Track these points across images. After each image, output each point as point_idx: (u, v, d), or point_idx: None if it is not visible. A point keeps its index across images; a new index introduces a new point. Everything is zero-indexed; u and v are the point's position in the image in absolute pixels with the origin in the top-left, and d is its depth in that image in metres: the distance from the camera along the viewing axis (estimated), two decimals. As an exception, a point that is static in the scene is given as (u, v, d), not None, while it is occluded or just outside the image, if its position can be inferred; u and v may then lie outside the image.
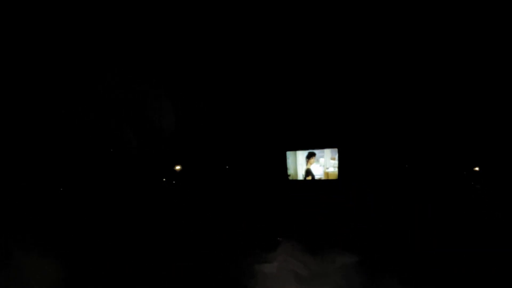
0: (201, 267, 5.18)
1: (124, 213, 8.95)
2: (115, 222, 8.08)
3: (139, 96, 8.77)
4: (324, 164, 11.22)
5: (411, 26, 8.67)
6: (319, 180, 11.28)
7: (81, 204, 9.72)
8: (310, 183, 11.37)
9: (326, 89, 10.65)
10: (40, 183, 10.29)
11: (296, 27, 9.03)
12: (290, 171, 11.63)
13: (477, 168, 11.10)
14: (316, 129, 11.25)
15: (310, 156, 11.49)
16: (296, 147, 11.62)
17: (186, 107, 10.73)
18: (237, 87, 10.71)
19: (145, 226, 7.83)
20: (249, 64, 10.08)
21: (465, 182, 10.63)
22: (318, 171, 11.28)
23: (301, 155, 11.54)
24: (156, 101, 9.33)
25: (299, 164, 11.55)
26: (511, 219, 6.89)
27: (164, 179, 12.26)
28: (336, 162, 11.04)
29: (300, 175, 11.48)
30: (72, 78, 8.27)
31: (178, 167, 12.44)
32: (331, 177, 11.11)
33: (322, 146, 11.32)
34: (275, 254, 5.14)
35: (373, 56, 9.63)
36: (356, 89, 10.47)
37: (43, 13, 7.22)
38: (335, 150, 11.11)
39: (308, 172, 11.39)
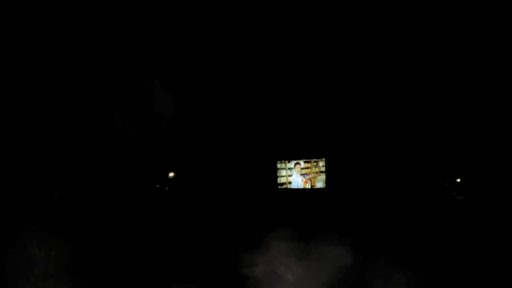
0: (188, 270, 5.02)
1: (118, 217, 8.76)
2: (109, 226, 7.88)
3: (134, 105, 8.69)
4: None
5: (396, 42, 8.76)
6: (308, 189, 11.22)
7: (77, 209, 9.51)
8: (299, 191, 11.31)
9: (315, 103, 10.70)
10: (38, 187, 10.09)
11: (289, 43, 9.09)
12: (280, 179, 11.59)
13: (458, 180, 11.13)
14: (305, 140, 11.27)
15: (295, 165, 11.49)
16: (285, 157, 11.59)
17: (181, 116, 10.68)
18: (230, 99, 10.69)
19: (137, 230, 7.63)
20: (243, 77, 10.10)
21: (447, 192, 10.63)
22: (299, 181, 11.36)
23: (290, 164, 11.52)
24: (151, 109, 9.25)
25: (287, 172, 11.52)
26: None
27: (157, 185, 12.10)
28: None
29: (291, 184, 11.44)
30: (72, 84, 8.19)
31: (171, 174, 12.29)
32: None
33: (310, 157, 11.32)
34: (261, 258, 5.02)
35: (359, 72, 9.71)
36: (343, 104, 10.53)
37: (47, 13, 7.14)
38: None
39: (294, 180, 11.38)
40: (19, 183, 9.50)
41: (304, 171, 11.32)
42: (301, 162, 11.34)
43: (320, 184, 11.06)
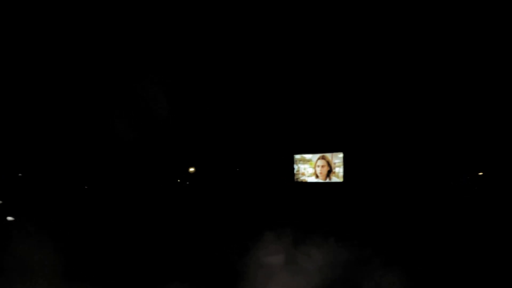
0: (208, 260, 5.18)
1: (139, 211, 9.06)
2: (129, 219, 8.18)
3: (154, 101, 8.88)
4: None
5: (418, 37, 8.52)
6: (326, 182, 11.20)
7: (100, 202, 9.90)
8: (316, 185, 11.30)
9: (333, 95, 10.61)
10: (65, 182, 10.54)
11: (308, 37, 8.99)
12: (298, 173, 11.62)
13: (480, 173, 10.82)
14: (322, 133, 11.23)
15: (312, 159, 11.47)
16: (302, 151, 11.61)
17: (200, 112, 10.86)
18: (249, 94, 10.76)
19: (157, 223, 7.90)
20: (262, 73, 10.10)
21: (468, 186, 10.38)
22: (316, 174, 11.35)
23: (307, 158, 11.53)
24: (171, 106, 9.44)
25: (305, 166, 11.54)
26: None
27: (178, 180, 12.40)
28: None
29: (309, 177, 11.46)
30: (91, 82, 8.41)
31: (192, 169, 12.55)
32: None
33: (328, 150, 11.27)
34: (281, 247, 5.12)
35: (378, 65, 9.53)
36: (361, 96, 10.38)
37: (47, 14, 7.22)
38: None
39: (311, 174, 11.39)
40: (50, 177, 9.96)
41: (321, 164, 11.30)
42: (319, 155, 11.32)
43: (337, 178, 11.01)
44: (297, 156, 11.60)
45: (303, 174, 11.51)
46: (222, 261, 5.21)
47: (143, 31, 8.12)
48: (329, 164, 11.09)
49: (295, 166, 11.62)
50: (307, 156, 11.45)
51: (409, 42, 8.66)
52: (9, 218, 7.46)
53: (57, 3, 7.36)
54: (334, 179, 10.99)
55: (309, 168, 11.40)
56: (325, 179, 11.12)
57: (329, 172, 11.08)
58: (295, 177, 11.56)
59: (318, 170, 11.23)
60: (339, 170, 10.93)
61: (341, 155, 10.94)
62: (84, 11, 7.60)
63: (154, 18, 8.03)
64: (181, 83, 9.50)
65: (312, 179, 11.33)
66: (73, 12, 7.57)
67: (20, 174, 9.66)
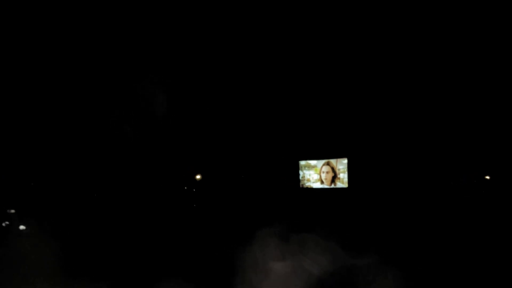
0: (215, 264, 5.24)
1: (148, 216, 9.18)
2: (139, 223, 8.30)
3: (161, 111, 9.00)
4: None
5: (424, 40, 8.51)
6: (330, 188, 11.22)
7: (111, 208, 10.05)
8: (321, 190, 11.32)
9: (337, 102, 10.68)
10: (77, 189, 10.71)
11: (313, 45, 9.05)
12: (303, 179, 11.66)
13: (487, 177, 10.77)
14: (326, 139, 11.28)
15: (317, 165, 11.50)
16: (307, 156, 11.66)
17: (206, 120, 11.01)
18: (254, 101, 10.86)
19: (168, 226, 8.01)
20: (268, 80, 10.19)
21: (475, 189, 10.32)
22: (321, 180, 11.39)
23: (312, 163, 11.57)
24: (178, 113, 9.57)
25: (309, 172, 11.58)
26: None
27: (185, 187, 12.52)
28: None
29: (313, 183, 11.49)
30: (102, 88, 8.52)
31: (198, 176, 12.68)
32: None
33: (332, 156, 11.31)
34: (286, 251, 5.17)
35: (382, 73, 9.59)
36: (365, 103, 10.43)
37: (46, 14, 7.27)
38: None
39: (316, 180, 11.42)
40: (59, 182, 10.14)
41: (326, 169, 11.33)
42: (323, 161, 11.36)
43: (341, 184, 11.03)
44: (302, 162, 11.65)
45: (308, 180, 11.55)
46: (227, 264, 5.27)
47: (145, 31, 8.15)
48: (333, 170, 11.12)
49: (300, 172, 11.66)
50: (312, 162, 11.49)
51: (411, 51, 8.71)
52: (21, 227, 7.65)
53: (57, 4, 7.43)
54: (339, 184, 11.00)
55: (314, 174, 11.44)
56: (330, 184, 11.14)
57: (334, 178, 11.10)
58: (301, 183, 11.59)
59: (323, 176, 11.27)
60: (343, 176, 10.95)
61: (345, 161, 10.96)
62: (84, 11, 7.67)
63: (155, 18, 8.05)
64: (189, 91, 9.64)
65: (317, 185, 11.36)
66: (73, 12, 7.64)
67: (32, 184, 9.89)
